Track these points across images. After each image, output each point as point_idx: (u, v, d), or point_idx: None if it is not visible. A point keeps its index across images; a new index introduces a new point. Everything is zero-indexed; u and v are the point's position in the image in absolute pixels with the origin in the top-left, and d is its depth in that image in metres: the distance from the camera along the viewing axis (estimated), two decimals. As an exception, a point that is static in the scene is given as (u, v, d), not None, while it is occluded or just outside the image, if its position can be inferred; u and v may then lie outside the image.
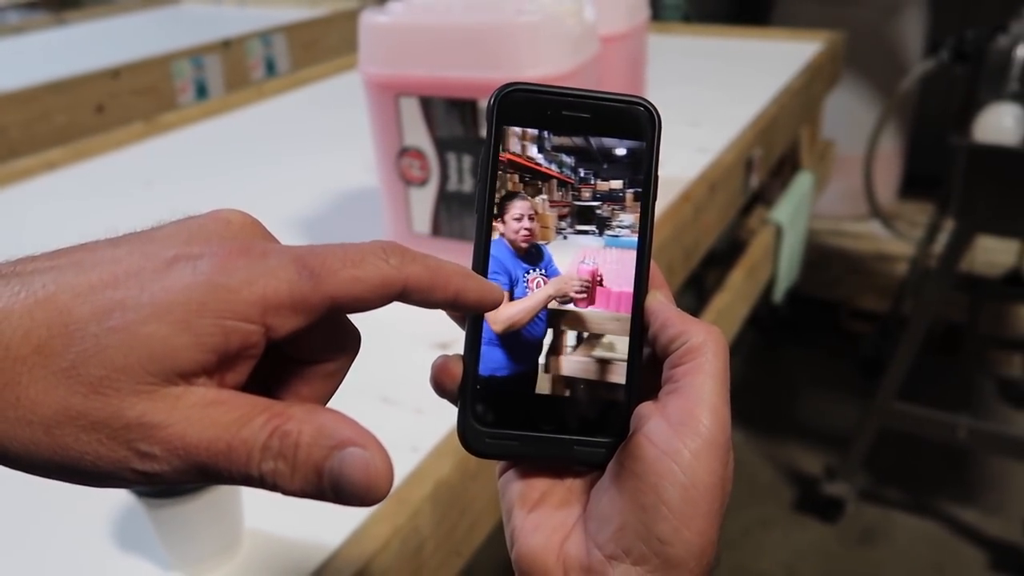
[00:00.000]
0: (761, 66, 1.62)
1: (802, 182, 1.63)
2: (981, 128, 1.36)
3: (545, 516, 0.30)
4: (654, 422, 0.29)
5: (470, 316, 0.31)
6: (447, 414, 0.67)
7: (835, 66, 1.77)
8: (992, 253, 2.08)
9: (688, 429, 0.28)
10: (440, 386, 0.31)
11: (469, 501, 0.63)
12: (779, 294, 1.53)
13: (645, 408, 0.30)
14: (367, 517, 0.57)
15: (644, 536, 0.27)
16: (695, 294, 1.73)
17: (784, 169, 1.71)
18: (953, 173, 1.43)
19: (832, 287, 2.28)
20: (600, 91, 0.32)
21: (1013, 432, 1.68)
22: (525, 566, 0.30)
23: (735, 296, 1.26)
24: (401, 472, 0.61)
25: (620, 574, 0.28)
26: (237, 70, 1.82)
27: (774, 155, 1.44)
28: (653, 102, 0.32)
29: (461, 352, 0.32)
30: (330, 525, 0.56)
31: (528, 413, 0.31)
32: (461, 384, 0.31)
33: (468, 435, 0.31)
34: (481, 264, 0.31)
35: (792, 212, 1.51)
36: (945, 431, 1.56)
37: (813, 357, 2.24)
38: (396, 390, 0.71)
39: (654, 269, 0.32)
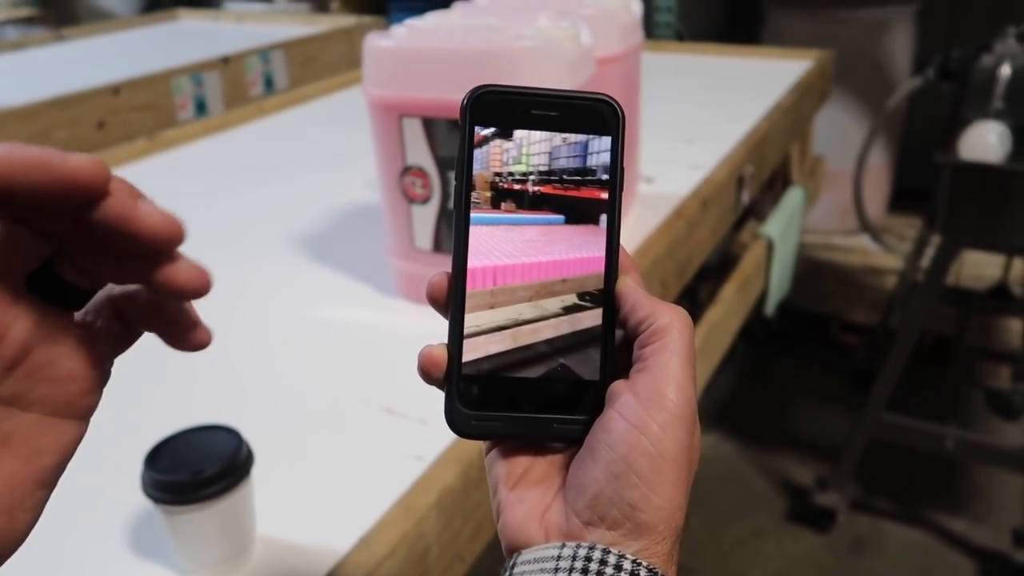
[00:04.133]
0: (752, 84, 1.65)
1: (793, 197, 1.66)
2: (966, 146, 1.40)
3: (528, 490, 0.33)
4: (625, 398, 0.31)
5: (452, 307, 0.33)
6: (451, 424, 0.70)
7: (824, 84, 1.81)
8: (979, 267, 2.12)
9: (655, 404, 0.30)
10: (427, 374, 0.33)
11: (472, 508, 0.66)
12: (771, 307, 1.56)
13: (617, 386, 0.32)
14: (376, 523, 0.59)
15: (617, 503, 0.30)
16: (688, 307, 1.75)
17: (775, 184, 1.74)
18: (939, 189, 1.47)
19: (823, 300, 2.31)
20: (566, 90, 0.34)
21: (1000, 443, 1.71)
22: (510, 534, 0.32)
23: (727, 309, 1.29)
24: (407, 480, 0.63)
25: (596, 538, 0.30)
26: (236, 86, 1.84)
27: (765, 171, 1.47)
28: (616, 98, 0.34)
29: (445, 341, 0.34)
30: (339, 531, 0.59)
31: (510, 395, 0.33)
32: (446, 371, 0.33)
33: (455, 418, 0.33)
34: (461, 255, 0.33)
35: (783, 226, 1.54)
36: (933, 442, 1.59)
37: (804, 369, 2.26)
38: (400, 401, 0.73)
39: (623, 254, 0.34)
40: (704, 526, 1.72)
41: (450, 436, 0.67)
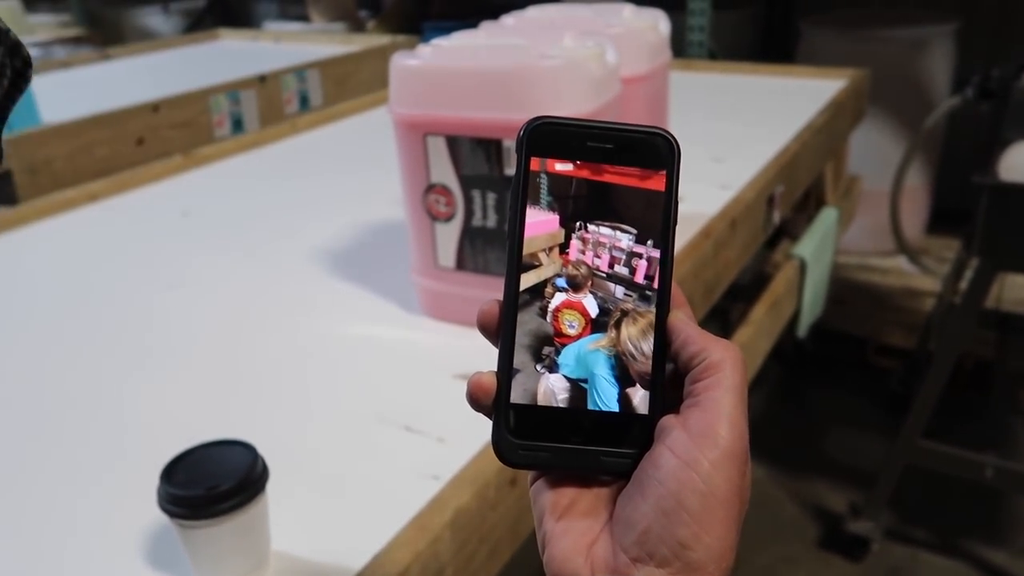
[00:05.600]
0: (785, 103, 1.64)
1: (826, 217, 1.63)
2: (1005, 167, 1.37)
3: (574, 522, 0.32)
4: (676, 434, 0.31)
5: (503, 335, 0.33)
6: (468, 443, 0.70)
7: (859, 103, 1.78)
8: (1021, 290, 2.06)
9: (707, 440, 0.30)
10: (475, 401, 0.33)
11: (488, 530, 0.65)
12: (803, 329, 1.53)
13: (667, 421, 0.32)
14: (389, 542, 0.59)
15: (667, 540, 0.29)
16: (719, 328, 1.73)
17: (809, 204, 1.72)
18: (977, 211, 1.43)
19: (859, 322, 2.27)
20: (623, 123, 0.34)
21: (1043, 472, 1.65)
22: (556, 568, 0.31)
23: (757, 331, 1.27)
24: (422, 499, 0.62)
25: (645, 575, 0.29)
26: (272, 104, 1.88)
27: (797, 191, 1.45)
28: (673, 133, 0.34)
29: (495, 369, 0.33)
30: (353, 549, 0.58)
31: (558, 426, 0.33)
32: (495, 399, 0.33)
33: (502, 447, 0.33)
34: (513, 289, 0.33)
35: (816, 247, 1.52)
36: (972, 470, 1.55)
37: (839, 393, 2.22)
38: (419, 419, 0.73)
39: (675, 289, 0.34)
40: (733, 551, 1.69)
41: (467, 456, 0.67)
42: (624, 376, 0.34)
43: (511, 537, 0.68)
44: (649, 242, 0.34)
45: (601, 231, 0.34)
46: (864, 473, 1.81)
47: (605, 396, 0.33)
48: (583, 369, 0.33)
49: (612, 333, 0.34)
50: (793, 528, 1.78)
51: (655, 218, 0.34)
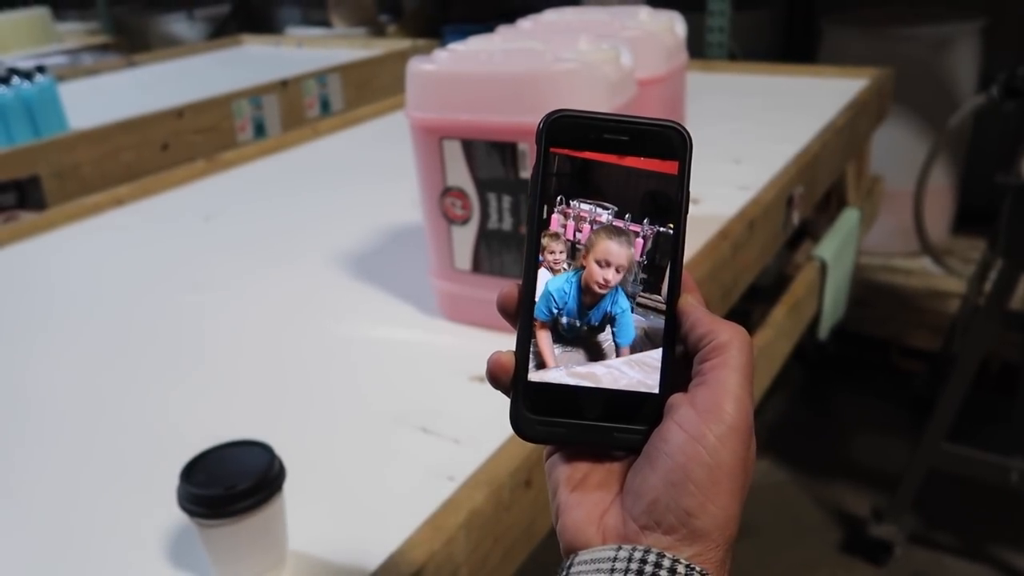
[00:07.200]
0: (807, 103, 1.63)
1: (848, 218, 1.62)
2: (1030, 166, 1.35)
3: (587, 494, 0.34)
4: (684, 410, 0.32)
5: (521, 315, 0.35)
6: (484, 445, 0.70)
7: (882, 103, 1.77)
8: (1049, 291, 2.03)
9: (713, 417, 0.31)
10: (495, 379, 0.35)
11: (503, 531, 0.65)
12: (824, 331, 1.52)
13: (676, 398, 0.33)
14: (404, 542, 0.59)
15: (673, 509, 0.31)
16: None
17: (831, 205, 1.71)
18: (1002, 211, 1.42)
19: (882, 324, 2.24)
20: (637, 116, 0.35)
21: (1072, 476, 1.63)
22: (569, 536, 0.33)
23: (776, 333, 1.26)
24: (437, 500, 0.63)
25: (652, 542, 0.31)
26: (294, 109, 1.90)
27: (817, 192, 1.44)
28: (684, 125, 0.35)
29: (513, 348, 0.35)
30: (370, 548, 0.59)
31: (573, 403, 0.35)
32: (513, 377, 0.35)
33: (520, 422, 0.35)
34: (531, 281, 0.35)
35: (837, 249, 1.51)
36: (996, 474, 1.52)
37: (862, 395, 2.19)
38: (435, 421, 0.74)
39: (685, 275, 0.36)
40: (754, 556, 1.68)
41: (482, 457, 0.68)
42: (587, 289, 0.35)
43: (526, 538, 0.68)
44: (627, 216, 0.35)
45: (582, 207, 0.35)
46: (887, 476, 1.79)
47: (558, 297, 0.35)
48: (544, 303, 0.35)
49: (580, 260, 0.35)
50: (815, 531, 1.77)
51: (633, 191, 0.35)
